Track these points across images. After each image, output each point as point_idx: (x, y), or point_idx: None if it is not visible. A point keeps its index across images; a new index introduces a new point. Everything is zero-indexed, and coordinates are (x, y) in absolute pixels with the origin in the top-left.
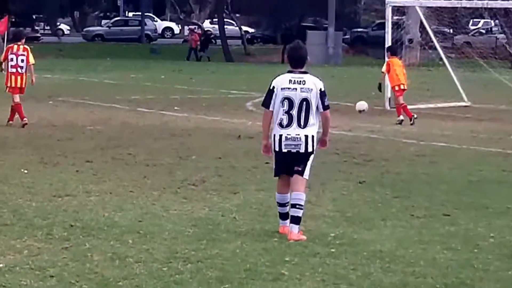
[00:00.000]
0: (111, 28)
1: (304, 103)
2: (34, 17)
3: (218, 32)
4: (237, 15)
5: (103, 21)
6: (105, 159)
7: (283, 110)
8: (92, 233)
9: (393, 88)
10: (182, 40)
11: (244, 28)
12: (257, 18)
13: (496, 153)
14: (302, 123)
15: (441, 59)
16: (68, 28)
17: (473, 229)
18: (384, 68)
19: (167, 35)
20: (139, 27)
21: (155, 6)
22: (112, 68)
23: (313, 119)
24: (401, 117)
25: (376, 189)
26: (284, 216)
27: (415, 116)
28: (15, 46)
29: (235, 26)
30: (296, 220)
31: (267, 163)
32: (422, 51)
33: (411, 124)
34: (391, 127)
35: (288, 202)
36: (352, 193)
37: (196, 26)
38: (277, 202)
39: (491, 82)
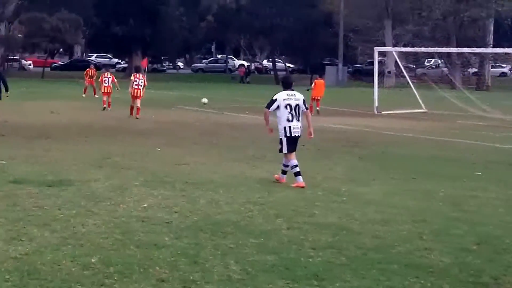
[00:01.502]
0: (208, 64)
1: (297, 107)
2: (162, 58)
3: (271, 66)
4: (283, 56)
5: (203, 60)
6: (205, 142)
7: (288, 111)
8: (199, 187)
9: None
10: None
11: (287, 64)
12: (294, 58)
13: (444, 141)
14: (298, 118)
15: (408, 83)
16: (182, 64)
17: (430, 187)
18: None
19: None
20: (225, 64)
21: (234, 50)
22: (207, 88)
23: (301, 116)
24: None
25: (369, 161)
26: (298, 173)
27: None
28: (138, 74)
29: (282, 63)
30: (299, 173)
31: (303, 145)
32: (396, 78)
33: None
34: (377, 124)
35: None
36: (354, 164)
37: (244, 62)
38: (291, 166)
39: (439, 97)
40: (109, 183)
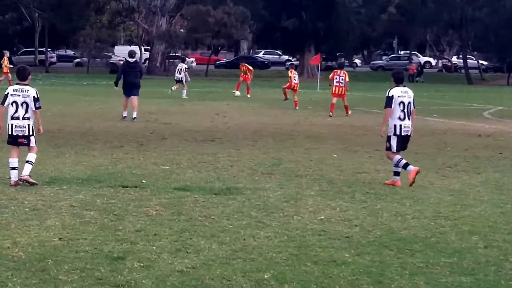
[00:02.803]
0: (389, 61)
1: (409, 105)
2: (337, 54)
3: (462, 63)
4: (475, 52)
5: (383, 57)
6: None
7: (400, 109)
8: (381, 198)
9: None
10: (437, 70)
11: (480, 61)
12: (489, 55)
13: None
14: (409, 117)
15: None
16: (360, 61)
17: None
18: None
19: (427, 67)
20: (408, 61)
21: (419, 46)
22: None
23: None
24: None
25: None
26: (406, 164)
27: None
28: (339, 71)
29: (474, 60)
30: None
31: (500, 153)
32: None
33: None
34: None
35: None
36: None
37: (412, 59)
38: (396, 164)
39: None
40: (282, 192)
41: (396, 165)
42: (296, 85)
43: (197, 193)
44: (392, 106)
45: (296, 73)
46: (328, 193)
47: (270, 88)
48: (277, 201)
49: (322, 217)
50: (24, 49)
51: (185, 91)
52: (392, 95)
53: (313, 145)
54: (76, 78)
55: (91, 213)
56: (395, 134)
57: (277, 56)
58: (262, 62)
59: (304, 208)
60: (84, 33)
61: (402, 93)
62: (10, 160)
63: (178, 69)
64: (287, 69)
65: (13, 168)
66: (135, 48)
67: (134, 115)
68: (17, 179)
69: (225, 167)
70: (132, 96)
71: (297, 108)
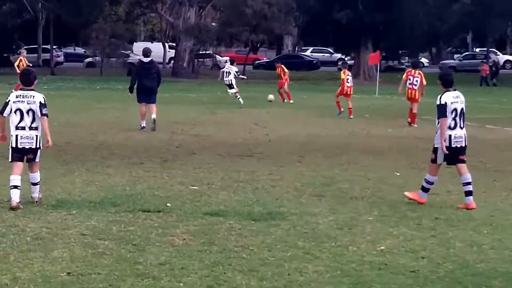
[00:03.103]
0: (462, 60)
1: (462, 111)
2: (399, 52)
3: None
4: None
5: (455, 55)
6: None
7: (452, 117)
8: (454, 224)
9: None
10: None
11: None
12: None
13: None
14: (462, 125)
15: None
16: (427, 61)
17: None
18: None
19: (507, 67)
20: (484, 60)
21: (498, 42)
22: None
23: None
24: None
25: None
26: (427, 190)
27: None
28: (413, 71)
29: None
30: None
31: None
32: None
33: None
34: None
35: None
36: None
37: (490, 58)
38: (464, 182)
39: None
40: (334, 218)
41: (430, 183)
42: (349, 89)
43: (232, 218)
44: (447, 114)
45: (350, 75)
46: (390, 218)
47: (319, 93)
48: (328, 229)
49: (382, 247)
50: (25, 47)
51: (239, 96)
52: (445, 102)
53: (371, 162)
54: (88, 81)
55: (106, 242)
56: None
57: (328, 55)
58: (310, 61)
59: (361, 236)
60: (96, 27)
61: (454, 99)
62: (12, 177)
63: (226, 72)
64: (339, 69)
65: (15, 187)
66: (155, 45)
67: (154, 116)
68: (18, 200)
69: (266, 187)
70: (149, 104)
71: (351, 116)
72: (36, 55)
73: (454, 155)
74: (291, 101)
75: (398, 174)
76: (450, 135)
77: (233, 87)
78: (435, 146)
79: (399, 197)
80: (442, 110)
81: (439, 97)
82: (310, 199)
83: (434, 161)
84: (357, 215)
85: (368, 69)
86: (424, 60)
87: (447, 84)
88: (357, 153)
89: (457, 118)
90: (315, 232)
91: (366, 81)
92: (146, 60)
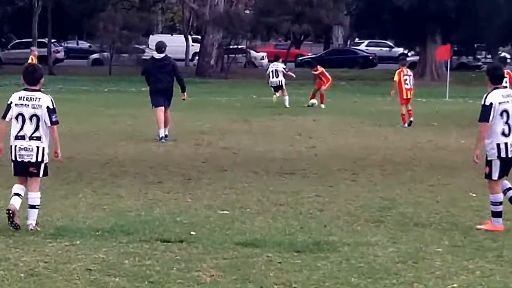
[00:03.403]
0: None
1: None
2: (475, 46)
3: None
4: None
5: None
6: None
7: (503, 121)
8: None
9: None
10: None
11: None
12: None
13: None
14: None
15: None
16: (510, 57)
17: None
18: None
19: None
20: None
21: None
22: None
23: None
24: None
25: None
26: (499, 214)
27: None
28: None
29: None
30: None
31: None
32: None
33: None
34: None
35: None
36: None
37: None
38: (498, 202)
39: None
40: (395, 249)
41: (498, 204)
42: (408, 92)
43: (271, 250)
44: (491, 118)
45: (410, 74)
46: (464, 249)
47: (375, 96)
48: (389, 262)
49: (455, 285)
50: (18, 40)
51: (286, 97)
52: (491, 103)
53: (440, 180)
54: (94, 82)
55: (117, 279)
56: (498, 156)
57: (387, 49)
58: (365, 57)
59: (428, 271)
60: (104, 17)
61: (504, 98)
62: (15, 186)
63: (273, 71)
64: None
65: (16, 194)
66: (176, 38)
67: (166, 132)
68: (18, 207)
69: (312, 212)
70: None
71: (409, 120)
72: (30, 50)
73: (508, 166)
74: (322, 105)
75: (474, 195)
76: (506, 143)
77: (282, 89)
78: (488, 159)
79: (474, 223)
80: (484, 112)
81: (484, 96)
82: (366, 226)
83: (488, 176)
84: (423, 245)
85: (436, 67)
86: (505, 55)
87: (496, 79)
88: (423, 169)
89: (510, 122)
90: (372, 267)
91: (433, 82)
92: (158, 56)
